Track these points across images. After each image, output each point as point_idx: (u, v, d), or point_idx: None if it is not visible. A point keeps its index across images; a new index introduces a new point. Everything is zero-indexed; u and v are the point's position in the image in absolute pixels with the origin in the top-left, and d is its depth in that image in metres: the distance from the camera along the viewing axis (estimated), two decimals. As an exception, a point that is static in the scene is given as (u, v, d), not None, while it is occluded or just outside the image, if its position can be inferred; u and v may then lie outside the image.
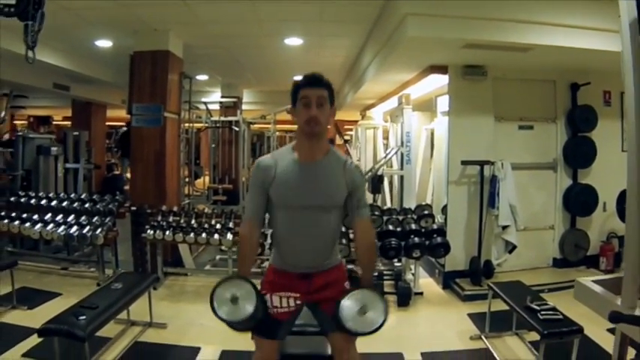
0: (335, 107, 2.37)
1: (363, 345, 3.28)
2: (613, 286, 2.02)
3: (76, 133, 8.84)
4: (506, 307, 3.84)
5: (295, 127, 2.47)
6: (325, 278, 2.41)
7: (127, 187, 10.79)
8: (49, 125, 13.76)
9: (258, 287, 2.23)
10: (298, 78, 2.35)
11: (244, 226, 2.46)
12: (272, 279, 2.47)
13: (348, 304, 2.17)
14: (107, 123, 12.20)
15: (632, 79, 1.79)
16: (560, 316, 3.39)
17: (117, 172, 12.51)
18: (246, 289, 2.15)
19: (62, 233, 5.37)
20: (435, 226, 5.21)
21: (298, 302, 2.43)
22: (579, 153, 5.93)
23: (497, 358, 3.83)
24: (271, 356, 2.45)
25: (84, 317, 3.20)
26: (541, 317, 3.36)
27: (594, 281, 2.10)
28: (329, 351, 2.57)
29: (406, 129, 6.81)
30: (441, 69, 5.63)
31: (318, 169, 2.34)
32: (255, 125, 11.23)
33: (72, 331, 3.09)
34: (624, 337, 1.99)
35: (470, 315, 4.75)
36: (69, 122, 10.85)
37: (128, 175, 12.47)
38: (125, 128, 12.94)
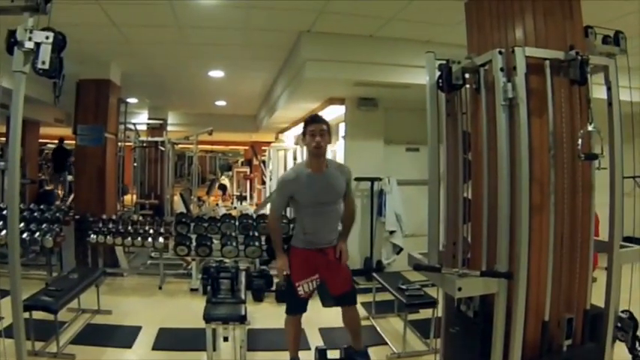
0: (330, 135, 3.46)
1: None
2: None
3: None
4: (391, 297, 4.81)
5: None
6: (334, 251, 3.50)
7: (57, 202, 10.97)
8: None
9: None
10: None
11: (274, 219, 3.58)
12: (298, 262, 3.48)
13: None
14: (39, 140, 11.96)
15: (430, 119, 2.83)
16: (422, 293, 4.47)
17: (48, 188, 12.49)
18: None
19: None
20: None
21: (317, 282, 3.50)
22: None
23: (379, 330, 4.84)
24: (299, 324, 3.72)
25: (53, 297, 3.98)
26: (407, 294, 4.42)
27: (420, 253, 3.14)
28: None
29: (310, 150, 7.78)
30: (339, 100, 6.62)
31: (325, 177, 3.39)
32: (177, 146, 11.34)
33: (47, 305, 3.86)
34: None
35: (362, 303, 5.66)
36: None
37: (59, 191, 12.65)
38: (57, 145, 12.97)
